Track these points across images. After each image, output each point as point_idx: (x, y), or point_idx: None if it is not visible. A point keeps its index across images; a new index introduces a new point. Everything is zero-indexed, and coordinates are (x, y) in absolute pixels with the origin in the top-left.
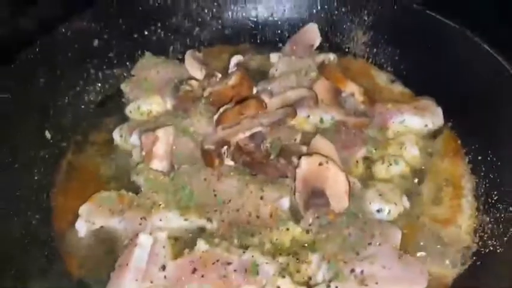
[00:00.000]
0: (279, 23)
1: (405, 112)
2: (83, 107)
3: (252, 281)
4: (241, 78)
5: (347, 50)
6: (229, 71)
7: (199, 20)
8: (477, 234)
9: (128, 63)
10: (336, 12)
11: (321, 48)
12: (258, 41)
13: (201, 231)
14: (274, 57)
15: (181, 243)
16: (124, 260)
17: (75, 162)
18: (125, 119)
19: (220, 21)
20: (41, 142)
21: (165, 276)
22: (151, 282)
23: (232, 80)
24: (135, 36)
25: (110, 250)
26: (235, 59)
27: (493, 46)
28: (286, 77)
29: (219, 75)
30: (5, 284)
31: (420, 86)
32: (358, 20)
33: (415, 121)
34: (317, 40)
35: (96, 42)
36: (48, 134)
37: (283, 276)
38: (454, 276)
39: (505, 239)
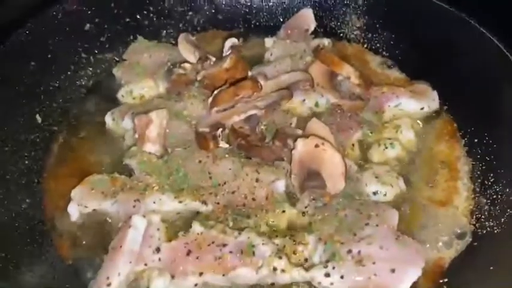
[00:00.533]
0: (273, 7)
1: (401, 96)
2: (74, 91)
3: (247, 262)
4: (236, 61)
5: (342, 35)
6: (224, 54)
7: (192, 4)
8: (474, 216)
9: (120, 48)
10: None
11: (315, 33)
12: (252, 26)
13: (195, 214)
14: (269, 41)
15: (175, 226)
16: (117, 243)
17: (66, 146)
18: (116, 103)
19: (213, 6)
20: (32, 126)
21: (159, 259)
22: (146, 264)
23: (227, 63)
24: (127, 20)
25: (102, 233)
26: (230, 42)
27: (488, 29)
28: (281, 61)
29: (213, 59)
30: None
31: (415, 71)
32: (353, 5)
33: (411, 105)
34: (312, 25)
35: (87, 26)
36: (38, 118)
37: (280, 257)
38: (451, 257)
39: (502, 220)
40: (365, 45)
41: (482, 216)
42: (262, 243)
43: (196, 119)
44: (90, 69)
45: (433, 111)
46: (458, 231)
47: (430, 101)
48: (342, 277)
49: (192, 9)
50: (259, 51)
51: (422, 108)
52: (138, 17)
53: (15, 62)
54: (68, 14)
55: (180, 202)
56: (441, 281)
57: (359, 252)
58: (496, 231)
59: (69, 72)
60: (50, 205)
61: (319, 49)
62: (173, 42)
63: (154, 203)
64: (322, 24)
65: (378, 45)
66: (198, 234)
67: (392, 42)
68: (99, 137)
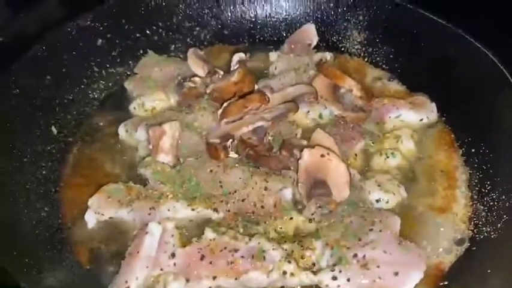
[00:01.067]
0: (277, 23)
1: (401, 107)
2: (87, 103)
3: (258, 267)
4: (244, 74)
5: (343, 49)
6: (232, 68)
7: (199, 20)
8: (472, 222)
9: (130, 62)
10: (332, 12)
11: (317, 48)
12: (257, 41)
13: (207, 221)
14: (273, 55)
15: (189, 233)
16: (134, 249)
17: (82, 156)
18: (128, 115)
19: (219, 21)
20: (48, 137)
21: (174, 264)
22: (161, 269)
23: (235, 77)
24: (138, 35)
25: (117, 240)
26: (237, 56)
27: (484, 44)
28: (286, 74)
29: (221, 72)
30: (21, 270)
31: (414, 83)
32: (354, 20)
33: (411, 116)
34: (314, 39)
35: (99, 42)
36: (54, 130)
37: (289, 262)
38: (451, 261)
39: (499, 225)
40: (365, 59)
41: (480, 222)
42: (273, 249)
43: (206, 130)
44: (103, 82)
45: (432, 122)
46: (458, 236)
47: (429, 112)
48: (348, 280)
49: (199, 24)
50: (264, 64)
51: (421, 120)
52: (148, 32)
53: (31, 76)
54: (82, 30)
55: (193, 210)
56: (441, 284)
57: (364, 256)
58: (493, 236)
59: (82, 86)
60: (68, 213)
61: (321, 63)
62: (181, 56)
63: (168, 210)
64: (324, 39)
65: (378, 58)
66: (210, 240)
67: (391, 56)
68: (113, 148)
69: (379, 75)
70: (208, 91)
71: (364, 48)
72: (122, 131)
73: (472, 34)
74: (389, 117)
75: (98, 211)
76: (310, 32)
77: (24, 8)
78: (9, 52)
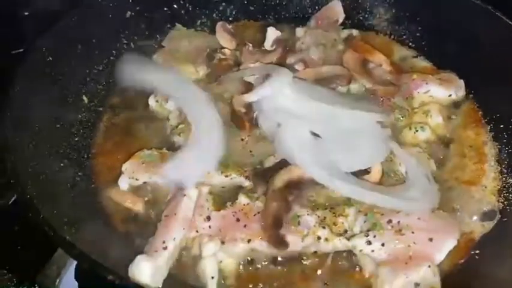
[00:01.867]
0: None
1: (430, 83)
2: (116, 75)
3: (293, 231)
4: (281, 56)
5: (369, 26)
6: (267, 45)
7: None
8: (502, 195)
9: (157, 36)
10: None
11: (343, 25)
12: (282, 17)
13: (239, 188)
14: (300, 31)
15: (222, 199)
16: (172, 211)
17: (113, 125)
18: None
19: None
20: (79, 106)
21: (210, 226)
22: (197, 231)
23: (274, 59)
24: (165, 9)
25: (151, 206)
26: (273, 33)
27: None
28: (315, 49)
29: (251, 45)
30: (62, 228)
31: (441, 61)
32: None
33: (440, 91)
34: (341, 16)
35: (128, 14)
36: (85, 99)
37: (324, 227)
38: (482, 232)
39: None
40: (392, 37)
41: (510, 195)
42: (307, 214)
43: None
44: (132, 54)
45: (460, 98)
46: (488, 208)
47: (458, 88)
48: (382, 245)
49: (225, 0)
50: (289, 40)
51: (449, 96)
52: (175, 6)
53: (63, 46)
54: (111, 2)
55: (226, 176)
56: (473, 252)
57: (398, 222)
58: None
59: (111, 57)
60: (101, 179)
61: (351, 38)
62: (207, 30)
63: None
64: (350, 16)
65: (405, 36)
66: (244, 205)
67: (418, 34)
68: (144, 117)
69: (406, 53)
70: (242, 67)
71: (390, 26)
72: (152, 101)
73: (501, 10)
74: (418, 92)
75: (132, 176)
76: (336, 9)
77: None
78: (35, 25)
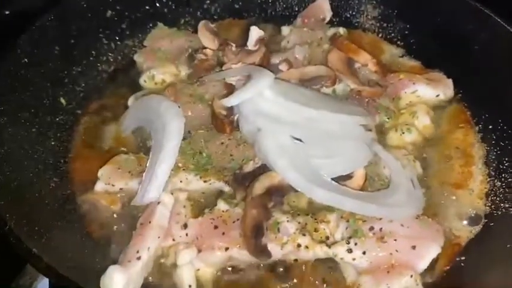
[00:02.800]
0: None
1: (417, 83)
2: (96, 76)
3: (272, 238)
4: (264, 56)
5: (357, 24)
6: (250, 45)
7: None
8: (489, 198)
9: (139, 35)
10: None
11: (330, 23)
12: (268, 15)
13: (219, 194)
14: (285, 30)
15: (200, 205)
16: (146, 218)
17: (91, 128)
18: (138, 88)
19: None
20: (57, 108)
21: (186, 234)
22: (174, 240)
23: (257, 60)
24: (147, 8)
25: (128, 212)
26: (256, 33)
27: (502, 19)
28: (300, 49)
29: (233, 45)
30: (30, 241)
31: (429, 59)
32: None
33: (427, 92)
34: (328, 14)
35: (109, 13)
36: (63, 101)
37: (304, 234)
38: (468, 237)
39: None
40: (380, 35)
41: (497, 199)
42: (287, 221)
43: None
44: (112, 55)
45: (448, 98)
46: (474, 212)
47: (446, 88)
48: (364, 253)
49: None
50: (275, 39)
51: (437, 96)
52: (157, 5)
53: (40, 47)
54: (91, 1)
55: (205, 182)
56: (458, 259)
57: (381, 229)
58: (511, 212)
59: (91, 58)
60: (77, 184)
61: (336, 37)
62: (191, 29)
63: (180, 181)
64: (338, 14)
65: (393, 34)
66: (223, 211)
67: (406, 32)
68: None
69: (394, 51)
70: (224, 67)
71: (378, 24)
72: (132, 103)
73: (490, 8)
74: (405, 92)
75: (108, 182)
76: (323, 7)
77: None
78: (16, 25)
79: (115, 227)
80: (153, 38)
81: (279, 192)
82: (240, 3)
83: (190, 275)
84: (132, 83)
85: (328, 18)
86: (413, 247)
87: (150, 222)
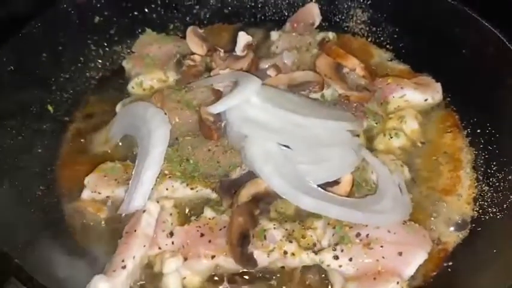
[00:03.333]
0: (278, 1)
1: (406, 87)
2: (84, 82)
3: (259, 246)
4: (252, 62)
5: (346, 28)
6: (238, 51)
7: None
8: (477, 203)
9: (128, 41)
10: None
11: (320, 27)
12: (258, 20)
13: (206, 201)
14: (274, 35)
15: (187, 212)
16: (132, 227)
17: (78, 135)
18: (126, 94)
19: (220, 0)
20: (44, 116)
21: (172, 242)
22: (160, 248)
23: (245, 65)
24: (135, 13)
25: (114, 220)
26: (244, 39)
27: (490, 22)
28: (288, 54)
29: (222, 51)
30: (14, 252)
31: (419, 63)
32: None
33: (416, 96)
34: (317, 19)
35: (97, 19)
36: (50, 108)
37: (290, 241)
38: (456, 242)
39: (505, 205)
40: (369, 39)
41: (485, 203)
42: (274, 228)
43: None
44: (100, 61)
45: (437, 102)
46: (462, 217)
47: (434, 92)
48: (350, 259)
49: (198, 3)
50: (264, 44)
51: (426, 100)
52: (146, 10)
53: (27, 53)
54: (78, 7)
55: (192, 189)
56: (446, 264)
57: (367, 235)
58: (498, 217)
59: (79, 64)
60: (64, 192)
61: (324, 42)
62: (180, 35)
63: (166, 189)
64: (327, 18)
65: (382, 38)
66: (209, 219)
67: (396, 36)
68: None
69: (383, 55)
70: (212, 73)
71: (368, 28)
72: (120, 109)
73: (478, 12)
74: (393, 97)
75: (95, 190)
76: (313, 11)
77: None
78: (5, 30)
79: (102, 235)
80: (142, 44)
81: (266, 199)
82: (230, 8)
83: (177, 283)
84: (120, 90)
85: (317, 23)
86: (400, 253)
87: (135, 230)
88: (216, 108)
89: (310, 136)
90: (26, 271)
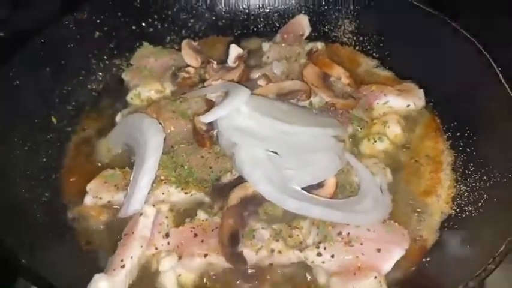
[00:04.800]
0: (270, 14)
1: (388, 94)
2: (85, 94)
3: (248, 245)
4: (243, 72)
5: (334, 38)
6: (230, 62)
7: (194, 12)
8: (455, 202)
9: (126, 54)
10: (324, 2)
11: (309, 38)
12: (250, 32)
13: (200, 204)
14: (265, 46)
15: (182, 215)
16: (130, 229)
17: (80, 145)
18: (125, 105)
19: (213, 13)
20: (47, 127)
21: (168, 243)
22: (156, 248)
23: (236, 76)
24: (133, 28)
25: (115, 224)
26: (235, 51)
27: (470, 32)
28: (278, 64)
29: (215, 63)
30: (22, 255)
31: (404, 70)
32: (345, 10)
33: (398, 102)
34: (307, 30)
35: (97, 34)
36: (53, 120)
37: (277, 240)
38: (434, 239)
39: (480, 204)
40: (357, 48)
41: (462, 202)
42: (262, 228)
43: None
44: (100, 74)
45: (419, 108)
46: (442, 217)
47: (416, 98)
48: (332, 256)
49: (193, 16)
50: (256, 54)
51: (408, 106)
52: (144, 24)
53: (31, 68)
54: (79, 23)
55: (186, 193)
56: (424, 260)
57: (348, 234)
58: (474, 215)
59: (80, 77)
60: (68, 198)
61: (312, 52)
62: (176, 47)
63: (163, 194)
64: (316, 29)
65: (369, 47)
66: (203, 220)
67: (382, 45)
68: None
69: (369, 63)
70: (206, 84)
71: (355, 37)
72: (119, 119)
73: (459, 22)
74: (377, 103)
75: (96, 195)
76: (302, 23)
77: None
78: (10, 46)
79: (103, 237)
80: (139, 57)
81: (254, 202)
82: (223, 20)
83: (173, 281)
84: (120, 101)
85: (306, 34)
86: (378, 250)
87: (133, 232)
88: (208, 118)
89: (297, 143)
90: (34, 271)
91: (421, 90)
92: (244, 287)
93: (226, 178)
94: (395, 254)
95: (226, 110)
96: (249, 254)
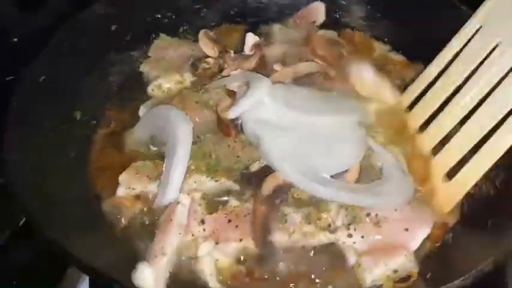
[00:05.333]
0: (283, 2)
1: None
2: (107, 88)
3: (281, 229)
4: (260, 60)
5: (345, 24)
6: (246, 51)
7: (206, 1)
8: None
9: (143, 46)
10: None
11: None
12: (263, 20)
13: (228, 192)
14: (275, 27)
15: (213, 203)
16: (167, 217)
17: (107, 138)
18: (147, 97)
19: (225, 2)
20: (72, 122)
21: (204, 229)
22: (193, 235)
23: (253, 64)
24: (148, 19)
25: (148, 214)
26: (252, 39)
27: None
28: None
29: (232, 52)
30: (65, 238)
31: (414, 54)
32: None
33: None
34: (320, 18)
35: (113, 27)
36: (77, 114)
37: (309, 223)
38: (456, 218)
39: (496, 183)
40: (368, 33)
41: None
42: (293, 212)
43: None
44: (120, 66)
45: None
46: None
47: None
48: (362, 237)
49: (206, 6)
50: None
51: None
52: (158, 16)
53: (53, 64)
54: (95, 17)
55: (216, 181)
56: (447, 236)
57: (376, 215)
58: (491, 193)
59: (101, 71)
60: (99, 189)
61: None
62: (190, 37)
63: (195, 182)
64: (327, 15)
65: (380, 32)
66: (234, 207)
67: (393, 29)
68: None
69: (382, 47)
70: (224, 73)
71: (366, 23)
72: (142, 112)
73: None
74: None
75: (129, 186)
76: (318, 10)
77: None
78: (25, 50)
79: (137, 227)
80: (157, 48)
81: (284, 190)
82: (235, 9)
83: (211, 265)
84: (140, 92)
85: (319, 22)
86: (406, 229)
87: (171, 220)
88: (232, 114)
89: (321, 131)
90: (83, 261)
91: None
92: (280, 267)
93: (254, 167)
94: (422, 232)
95: (249, 102)
96: (283, 237)
